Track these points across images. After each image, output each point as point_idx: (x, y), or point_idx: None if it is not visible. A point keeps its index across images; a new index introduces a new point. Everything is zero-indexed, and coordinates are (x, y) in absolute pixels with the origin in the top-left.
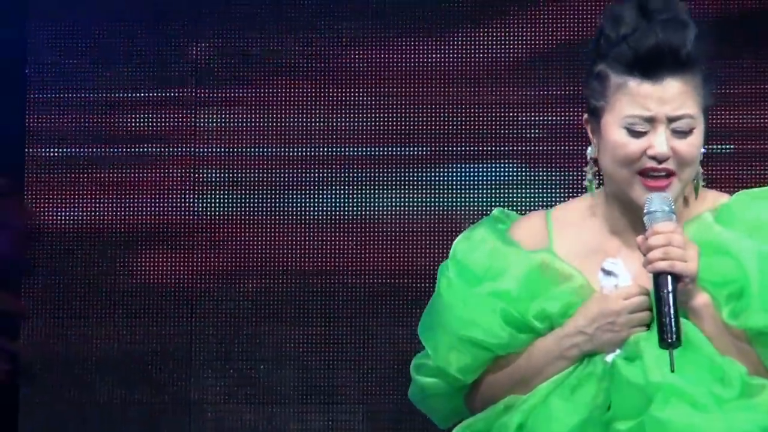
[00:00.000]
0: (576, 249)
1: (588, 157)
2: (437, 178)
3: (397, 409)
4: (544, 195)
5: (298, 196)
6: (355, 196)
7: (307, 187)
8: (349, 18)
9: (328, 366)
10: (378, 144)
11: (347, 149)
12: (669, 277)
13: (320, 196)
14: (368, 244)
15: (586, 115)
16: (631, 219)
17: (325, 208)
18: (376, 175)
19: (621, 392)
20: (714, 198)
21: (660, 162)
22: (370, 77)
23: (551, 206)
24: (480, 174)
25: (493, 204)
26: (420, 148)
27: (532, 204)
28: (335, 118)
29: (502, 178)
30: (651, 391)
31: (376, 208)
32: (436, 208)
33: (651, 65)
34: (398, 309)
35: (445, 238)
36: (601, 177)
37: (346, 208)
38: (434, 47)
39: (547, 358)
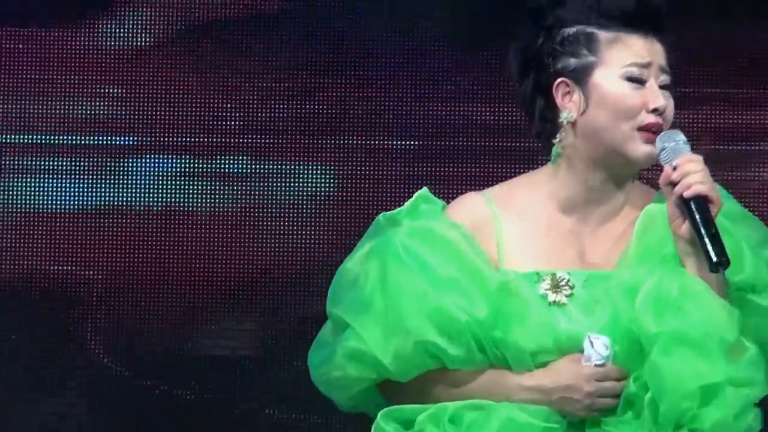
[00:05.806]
0: (525, 231)
1: (564, 123)
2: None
3: None
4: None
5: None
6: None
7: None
8: None
9: None
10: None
11: None
12: (707, 204)
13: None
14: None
15: (559, 80)
16: (592, 192)
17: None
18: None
19: None
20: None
21: (659, 114)
22: None
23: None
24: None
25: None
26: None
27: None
28: None
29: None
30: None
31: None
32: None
33: (641, 20)
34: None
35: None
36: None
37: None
38: None
39: (501, 397)
